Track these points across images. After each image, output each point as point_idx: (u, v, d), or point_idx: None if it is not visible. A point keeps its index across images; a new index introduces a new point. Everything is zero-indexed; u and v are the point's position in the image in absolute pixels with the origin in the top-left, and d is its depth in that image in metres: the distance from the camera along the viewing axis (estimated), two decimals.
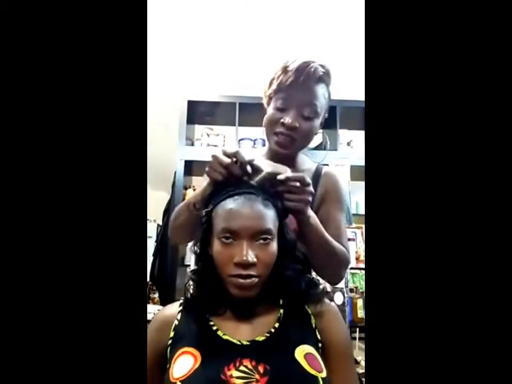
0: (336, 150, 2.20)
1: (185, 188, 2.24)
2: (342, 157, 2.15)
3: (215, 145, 2.30)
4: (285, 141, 0.82)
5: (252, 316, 0.63)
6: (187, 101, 2.21)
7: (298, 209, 0.67)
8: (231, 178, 0.64)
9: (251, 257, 0.57)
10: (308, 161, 0.94)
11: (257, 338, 0.60)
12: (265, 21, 2.14)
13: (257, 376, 0.54)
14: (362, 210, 2.82)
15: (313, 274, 0.86)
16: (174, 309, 0.67)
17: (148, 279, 2.24)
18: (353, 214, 2.32)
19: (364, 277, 2.70)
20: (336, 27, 2.15)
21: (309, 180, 0.67)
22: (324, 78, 0.83)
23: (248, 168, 0.64)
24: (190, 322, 0.63)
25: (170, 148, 2.42)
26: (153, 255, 2.25)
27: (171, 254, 2.12)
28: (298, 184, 0.65)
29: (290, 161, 0.89)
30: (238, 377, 0.54)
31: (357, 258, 2.12)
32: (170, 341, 0.62)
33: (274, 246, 0.61)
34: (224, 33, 2.26)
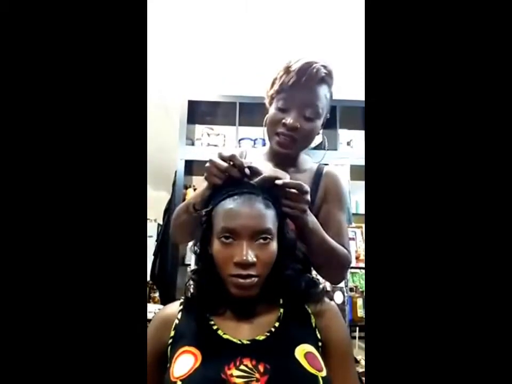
0: (336, 149, 2.21)
1: (186, 188, 2.24)
2: (341, 157, 2.16)
3: (216, 145, 2.30)
4: (286, 141, 0.82)
5: (252, 315, 0.64)
6: (187, 101, 2.21)
7: (295, 215, 0.67)
8: (231, 180, 0.64)
9: (251, 257, 0.57)
10: (309, 161, 0.94)
11: (257, 338, 0.60)
12: (265, 21, 2.14)
13: (257, 375, 0.54)
14: (362, 210, 2.83)
15: (314, 273, 0.86)
16: (174, 308, 0.67)
17: (149, 278, 2.24)
18: (353, 214, 2.33)
19: (363, 276, 2.71)
20: (336, 27, 2.15)
21: (307, 187, 0.66)
22: (326, 78, 0.82)
23: (247, 170, 0.64)
24: (190, 321, 0.63)
25: (170, 148, 2.42)
26: (153, 255, 2.26)
27: (172, 254, 2.12)
28: (295, 191, 0.65)
29: (291, 161, 0.89)
30: (238, 376, 0.54)
31: (357, 258, 2.13)
32: (170, 340, 0.62)
33: (274, 245, 0.61)
34: (224, 33, 2.26)
